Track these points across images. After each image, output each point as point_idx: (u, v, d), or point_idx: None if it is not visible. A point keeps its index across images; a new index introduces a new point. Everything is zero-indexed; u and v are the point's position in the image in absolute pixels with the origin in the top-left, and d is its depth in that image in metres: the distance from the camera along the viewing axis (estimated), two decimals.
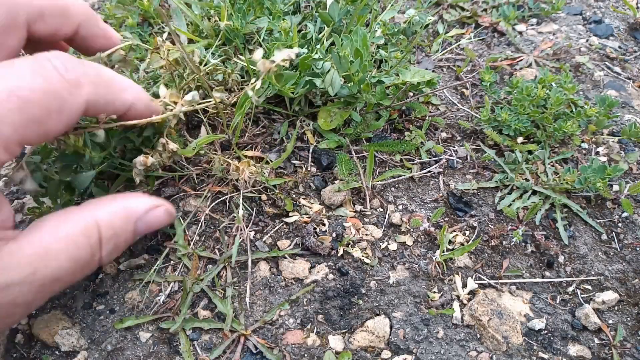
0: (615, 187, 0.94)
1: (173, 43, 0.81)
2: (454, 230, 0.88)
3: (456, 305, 0.79)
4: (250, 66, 0.88)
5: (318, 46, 0.95)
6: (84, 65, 0.56)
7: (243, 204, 0.86)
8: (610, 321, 0.78)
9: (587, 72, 1.21)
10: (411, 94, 1.04)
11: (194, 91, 0.72)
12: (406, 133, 1.00)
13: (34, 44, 0.65)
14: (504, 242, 0.87)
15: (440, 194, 0.93)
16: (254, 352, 0.73)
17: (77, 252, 0.56)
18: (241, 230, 0.84)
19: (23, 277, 0.52)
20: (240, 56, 0.90)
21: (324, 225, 0.86)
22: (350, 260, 0.83)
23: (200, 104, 0.75)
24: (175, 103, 0.71)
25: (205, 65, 0.86)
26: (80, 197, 0.88)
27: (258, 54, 0.71)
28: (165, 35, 0.82)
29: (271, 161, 0.91)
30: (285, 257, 0.83)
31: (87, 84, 0.56)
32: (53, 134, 0.54)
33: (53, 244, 0.55)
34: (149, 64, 0.82)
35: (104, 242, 0.59)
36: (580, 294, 0.82)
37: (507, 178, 0.94)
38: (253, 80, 0.73)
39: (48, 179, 0.79)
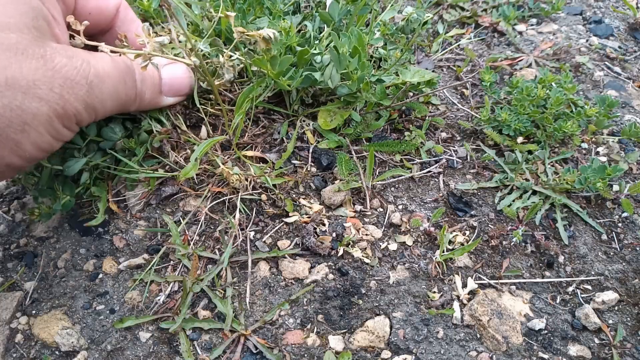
0: (615, 187, 0.94)
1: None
2: (454, 230, 0.88)
3: (456, 305, 0.79)
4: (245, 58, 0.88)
5: (317, 42, 0.95)
6: None
7: (242, 206, 0.86)
8: (610, 321, 0.78)
9: (587, 72, 1.21)
10: (411, 93, 1.04)
11: (165, 36, 0.74)
12: (406, 133, 1.00)
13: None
14: (504, 242, 0.87)
15: (440, 194, 0.93)
16: (254, 352, 0.73)
17: (117, 61, 0.70)
18: (238, 231, 0.84)
19: (83, 56, 0.65)
20: (237, 52, 0.90)
21: (324, 225, 0.86)
22: (350, 260, 0.83)
23: (166, 45, 0.77)
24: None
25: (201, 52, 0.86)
26: (79, 198, 0.88)
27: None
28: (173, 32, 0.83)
29: (273, 162, 0.91)
30: (285, 257, 0.83)
31: None
32: (105, 12, 0.77)
33: (100, 55, 0.68)
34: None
35: (135, 66, 0.73)
36: (580, 294, 0.82)
37: (507, 178, 0.94)
38: (227, 51, 0.75)
39: (40, 166, 0.79)
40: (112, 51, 0.69)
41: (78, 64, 0.64)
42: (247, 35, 0.73)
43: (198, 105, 0.89)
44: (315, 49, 0.91)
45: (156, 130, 0.86)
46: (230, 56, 0.75)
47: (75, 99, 0.63)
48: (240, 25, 0.94)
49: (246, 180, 0.84)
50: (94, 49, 0.70)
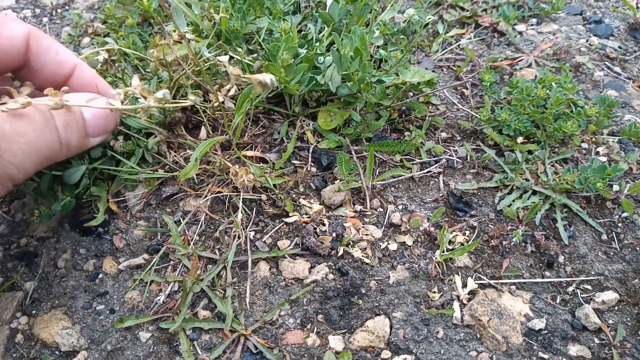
0: (615, 187, 0.94)
1: (181, 38, 0.82)
2: (454, 230, 0.88)
3: (456, 305, 0.79)
4: (245, 62, 0.88)
5: (317, 44, 0.95)
6: None
7: (243, 206, 0.86)
8: (610, 321, 0.78)
9: (587, 72, 1.21)
10: (411, 94, 1.04)
11: (164, 90, 0.71)
12: (406, 133, 1.00)
13: None
14: (504, 242, 0.87)
15: (440, 194, 0.93)
16: (254, 352, 0.73)
17: (32, 115, 0.61)
18: (241, 231, 0.84)
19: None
20: (239, 48, 0.90)
21: (324, 225, 0.86)
22: (350, 260, 0.83)
23: (173, 103, 0.75)
24: (145, 98, 0.71)
25: (201, 59, 0.87)
26: (79, 198, 0.88)
27: (232, 69, 0.73)
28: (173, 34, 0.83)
29: (273, 163, 0.91)
30: (285, 257, 0.83)
31: (29, 26, 0.67)
32: None
33: (12, 116, 0.60)
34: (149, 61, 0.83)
35: (54, 114, 0.65)
36: (580, 294, 0.82)
37: (507, 178, 0.94)
38: (228, 85, 0.74)
39: (40, 173, 0.79)
40: (20, 105, 0.60)
41: None
42: (244, 78, 0.72)
43: (197, 105, 0.90)
44: (317, 50, 0.91)
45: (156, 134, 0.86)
46: (228, 90, 0.74)
47: None
48: (240, 26, 0.94)
49: (255, 180, 0.84)
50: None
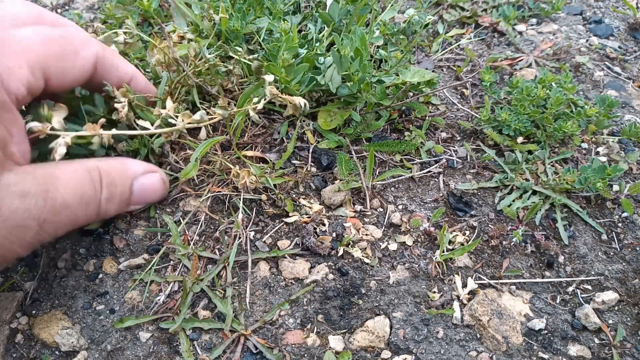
0: (615, 187, 0.94)
1: (181, 39, 0.82)
2: (454, 230, 0.88)
3: (456, 305, 0.79)
4: (246, 62, 0.88)
5: (317, 44, 0.95)
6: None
7: (243, 206, 0.86)
8: (610, 321, 0.78)
9: (587, 72, 1.21)
10: (411, 94, 1.04)
11: (201, 111, 0.74)
12: (406, 133, 1.00)
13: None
14: (504, 242, 0.87)
15: (440, 194, 0.93)
16: (254, 352, 0.73)
17: (82, 186, 0.63)
18: (241, 231, 0.84)
19: (38, 191, 0.57)
20: (239, 48, 0.90)
21: (324, 225, 0.86)
22: (350, 260, 0.83)
23: (204, 121, 0.77)
24: (177, 117, 0.74)
25: (201, 60, 0.87)
26: None
27: (269, 77, 0.75)
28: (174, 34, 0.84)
29: (273, 163, 0.91)
30: (285, 257, 0.83)
31: (96, 44, 0.72)
32: (69, 78, 0.66)
33: (61, 174, 0.61)
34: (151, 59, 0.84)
35: (104, 186, 0.66)
36: (580, 294, 0.82)
37: (507, 178, 0.94)
38: (255, 99, 0.75)
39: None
40: (41, 128, 0.61)
41: (32, 204, 0.56)
42: (280, 97, 0.74)
43: (199, 106, 0.90)
44: (317, 50, 0.91)
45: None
46: (256, 106, 0.75)
47: (20, 244, 0.57)
48: (240, 26, 0.94)
49: (257, 180, 0.84)
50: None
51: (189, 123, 0.73)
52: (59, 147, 0.62)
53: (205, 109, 0.91)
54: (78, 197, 0.62)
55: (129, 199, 0.72)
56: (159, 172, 0.75)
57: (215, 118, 0.79)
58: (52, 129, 0.64)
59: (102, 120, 0.69)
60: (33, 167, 0.59)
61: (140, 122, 0.73)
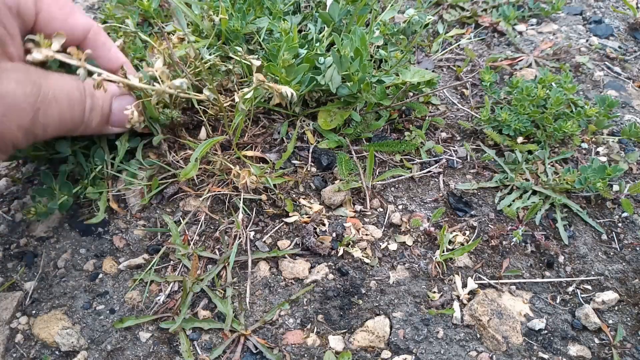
0: (615, 187, 0.94)
1: (181, 41, 0.82)
2: (454, 230, 0.88)
3: (456, 305, 0.79)
4: (245, 62, 0.88)
5: (317, 44, 0.95)
6: None
7: (243, 207, 0.86)
8: (610, 321, 0.78)
9: (587, 72, 1.21)
10: (411, 94, 1.04)
11: (183, 79, 0.73)
12: (406, 133, 1.00)
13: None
14: (504, 242, 0.87)
15: (440, 194, 0.93)
16: (254, 352, 0.73)
17: (70, 88, 0.69)
18: (241, 231, 0.84)
19: (32, 81, 0.63)
20: (238, 47, 0.90)
21: (324, 225, 0.86)
22: (350, 260, 0.83)
23: (188, 94, 0.77)
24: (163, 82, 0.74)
25: (201, 61, 0.87)
26: (77, 198, 0.88)
27: (256, 62, 0.74)
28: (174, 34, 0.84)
29: (273, 163, 0.91)
30: (285, 257, 0.83)
31: (95, 23, 0.75)
32: (56, 25, 0.69)
33: (52, 75, 0.67)
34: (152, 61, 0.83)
35: (87, 95, 0.72)
36: (580, 294, 0.82)
37: (507, 178, 0.94)
38: (245, 90, 0.75)
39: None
40: (43, 57, 0.64)
41: (27, 90, 0.62)
42: (266, 86, 0.73)
43: (197, 106, 0.90)
44: (317, 51, 0.91)
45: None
46: (244, 94, 0.75)
47: (17, 127, 0.62)
48: (240, 26, 0.94)
49: (257, 180, 0.84)
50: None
51: (170, 88, 0.73)
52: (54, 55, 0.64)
53: (203, 107, 0.92)
54: (66, 95, 0.68)
55: (109, 114, 0.78)
56: (132, 96, 0.80)
57: (200, 96, 0.78)
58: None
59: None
60: (27, 65, 0.64)
61: (130, 77, 0.75)
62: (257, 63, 0.76)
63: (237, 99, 0.75)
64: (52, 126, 0.68)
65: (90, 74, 0.67)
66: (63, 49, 0.65)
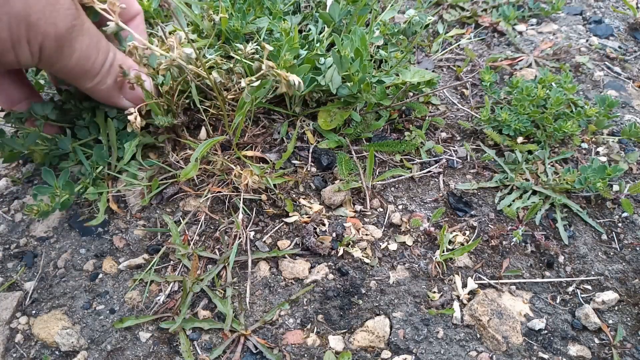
0: (615, 187, 0.94)
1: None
2: (454, 230, 0.88)
3: (456, 305, 0.79)
4: (246, 61, 0.88)
5: (318, 45, 0.95)
6: None
7: (243, 207, 0.86)
8: (610, 321, 0.78)
9: (587, 72, 1.21)
10: (411, 94, 1.04)
11: (191, 49, 0.74)
12: (406, 133, 1.00)
13: None
14: (504, 242, 0.87)
15: (440, 194, 0.93)
16: (254, 352, 0.73)
17: (100, 36, 0.70)
18: (241, 231, 0.84)
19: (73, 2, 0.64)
20: (240, 45, 0.90)
21: (324, 225, 0.86)
22: (350, 260, 0.83)
23: (192, 60, 0.76)
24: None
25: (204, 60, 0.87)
26: (77, 198, 0.88)
27: (269, 47, 0.74)
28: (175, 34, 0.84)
29: (273, 163, 0.91)
30: (285, 257, 0.83)
31: None
32: None
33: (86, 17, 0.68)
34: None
35: (112, 50, 0.73)
36: (580, 294, 0.82)
37: (507, 178, 0.94)
38: (253, 77, 0.74)
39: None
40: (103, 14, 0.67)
41: (67, 4, 0.62)
42: (275, 72, 0.73)
43: (198, 105, 0.90)
44: (318, 51, 0.91)
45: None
46: (251, 81, 0.75)
47: (52, 27, 0.62)
48: (240, 26, 0.94)
49: (252, 179, 0.84)
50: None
51: (180, 57, 0.73)
52: None
53: (207, 108, 0.92)
54: (95, 34, 0.69)
55: (123, 82, 0.78)
56: (149, 77, 0.81)
57: (210, 77, 0.78)
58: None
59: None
60: None
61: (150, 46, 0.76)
62: (270, 48, 0.75)
63: (243, 84, 0.75)
64: (75, 58, 0.68)
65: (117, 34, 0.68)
66: None
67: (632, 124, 0.99)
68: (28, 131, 0.82)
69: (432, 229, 0.86)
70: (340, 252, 0.83)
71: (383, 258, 0.84)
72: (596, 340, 0.76)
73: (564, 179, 0.90)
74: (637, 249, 0.87)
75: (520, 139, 0.98)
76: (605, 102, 0.98)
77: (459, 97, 1.14)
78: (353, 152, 0.96)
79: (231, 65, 0.91)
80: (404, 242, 0.86)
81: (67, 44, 0.66)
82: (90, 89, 0.76)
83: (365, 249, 0.85)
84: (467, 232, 0.88)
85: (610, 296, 0.79)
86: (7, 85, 0.80)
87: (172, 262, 0.82)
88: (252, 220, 0.86)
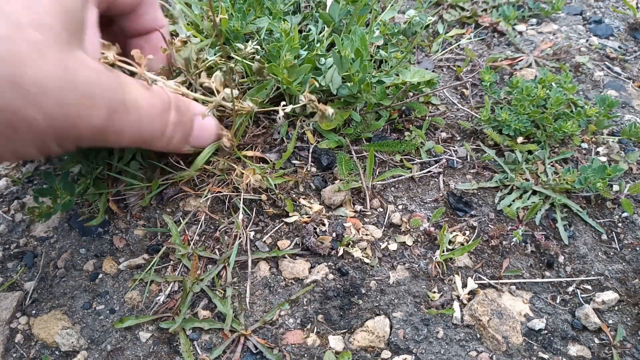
0: (615, 187, 0.94)
1: (184, 43, 0.83)
2: (454, 230, 0.88)
3: (456, 305, 0.79)
4: (246, 62, 0.89)
5: (318, 45, 0.95)
6: None
7: (243, 207, 0.86)
8: (610, 321, 0.78)
9: (587, 72, 1.21)
10: (411, 94, 1.04)
11: (228, 90, 0.74)
12: (406, 133, 1.00)
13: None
14: (504, 242, 0.87)
15: (440, 194, 0.93)
16: (254, 352, 0.73)
17: (152, 97, 0.63)
18: (241, 231, 0.84)
19: (112, 78, 0.57)
20: (240, 45, 0.90)
21: (324, 225, 0.86)
22: (350, 260, 0.83)
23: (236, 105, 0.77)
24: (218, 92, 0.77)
25: (204, 62, 0.87)
26: (80, 197, 0.88)
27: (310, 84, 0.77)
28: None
29: (273, 163, 0.91)
30: (285, 257, 0.83)
31: None
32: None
33: (133, 81, 0.61)
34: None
35: (173, 107, 0.67)
36: (580, 294, 0.82)
37: (507, 178, 0.94)
38: (289, 106, 0.77)
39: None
40: (152, 80, 0.62)
41: (106, 84, 0.55)
42: (314, 104, 0.75)
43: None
44: (318, 51, 0.91)
45: None
46: (286, 107, 0.78)
47: (87, 123, 0.54)
48: (240, 26, 0.94)
49: (254, 178, 0.85)
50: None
51: (225, 99, 0.74)
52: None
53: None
54: (150, 106, 0.62)
55: (191, 131, 0.73)
56: (213, 117, 0.77)
57: (247, 108, 0.79)
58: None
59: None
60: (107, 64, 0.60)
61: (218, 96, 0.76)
62: (310, 95, 0.77)
63: (280, 113, 0.76)
64: (127, 134, 0.61)
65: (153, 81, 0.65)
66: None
67: (632, 124, 0.99)
68: None
69: (432, 229, 0.86)
70: (340, 252, 0.83)
71: (383, 258, 0.84)
72: (596, 340, 0.76)
73: (564, 179, 0.90)
74: (637, 249, 0.87)
75: (520, 139, 0.98)
76: (605, 102, 0.98)
77: (459, 97, 1.14)
78: (353, 152, 0.96)
79: (232, 65, 0.91)
80: (404, 242, 0.86)
81: (111, 131, 0.58)
82: (163, 149, 0.72)
83: (365, 249, 0.85)
84: (467, 232, 0.88)
85: (610, 296, 0.79)
86: None
87: (172, 262, 0.82)
88: (252, 220, 0.86)
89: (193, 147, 0.79)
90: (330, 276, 0.81)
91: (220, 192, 0.87)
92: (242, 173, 0.83)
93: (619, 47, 1.31)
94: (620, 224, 0.90)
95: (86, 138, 0.56)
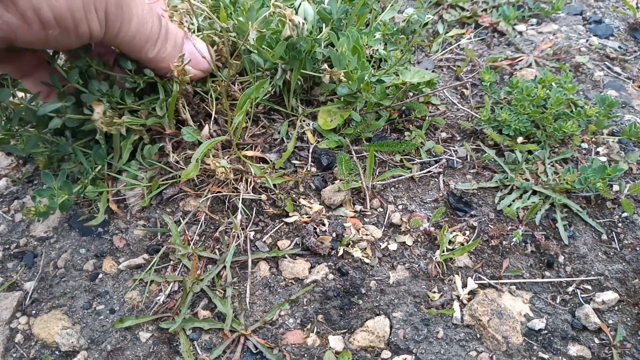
0: (615, 187, 0.94)
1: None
2: (454, 230, 0.88)
3: (456, 305, 0.79)
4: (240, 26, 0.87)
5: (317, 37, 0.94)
6: None
7: (242, 207, 0.86)
8: (610, 321, 0.78)
9: (587, 72, 1.21)
10: (411, 94, 1.04)
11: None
12: (406, 133, 1.00)
13: None
14: (504, 242, 0.87)
15: (440, 194, 0.93)
16: (254, 352, 0.73)
17: (149, 6, 0.72)
18: (240, 231, 0.84)
19: None
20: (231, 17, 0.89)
21: (324, 225, 0.86)
22: (350, 260, 0.83)
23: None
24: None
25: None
26: (77, 196, 0.88)
27: None
28: None
29: (273, 163, 0.91)
30: (285, 257, 0.83)
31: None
32: None
33: None
34: None
35: (163, 25, 0.75)
36: (580, 294, 0.82)
37: (507, 178, 0.94)
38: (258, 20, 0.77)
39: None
40: None
41: None
42: (280, 12, 0.75)
43: (204, 95, 0.89)
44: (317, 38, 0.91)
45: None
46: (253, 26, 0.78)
47: (95, 6, 0.63)
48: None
49: (242, 176, 0.84)
50: None
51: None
52: None
53: (205, 106, 0.91)
54: (149, 8, 0.71)
55: (181, 45, 0.79)
56: (203, 42, 0.82)
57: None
58: None
59: None
60: None
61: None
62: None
63: (251, 34, 0.77)
64: (134, 22, 0.69)
65: None
66: None
67: (632, 124, 0.99)
68: (29, 135, 0.82)
69: (432, 229, 0.86)
70: (340, 252, 0.83)
71: (383, 258, 0.84)
72: (596, 340, 0.76)
73: (564, 179, 0.90)
74: (637, 249, 0.87)
75: (520, 139, 0.98)
76: (605, 102, 0.98)
77: (459, 97, 1.14)
78: (353, 152, 0.96)
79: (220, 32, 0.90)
80: (404, 242, 0.86)
81: (125, 8, 0.67)
82: (154, 59, 0.77)
83: (365, 249, 0.85)
84: (467, 232, 0.88)
85: (610, 296, 0.79)
86: (17, 54, 0.77)
87: (172, 262, 0.82)
88: (252, 220, 0.86)
89: (187, 68, 0.81)
90: (330, 276, 0.81)
91: (220, 192, 0.87)
92: (242, 172, 0.83)
93: (619, 47, 1.31)
94: (620, 224, 0.90)
95: (110, 12, 0.66)
